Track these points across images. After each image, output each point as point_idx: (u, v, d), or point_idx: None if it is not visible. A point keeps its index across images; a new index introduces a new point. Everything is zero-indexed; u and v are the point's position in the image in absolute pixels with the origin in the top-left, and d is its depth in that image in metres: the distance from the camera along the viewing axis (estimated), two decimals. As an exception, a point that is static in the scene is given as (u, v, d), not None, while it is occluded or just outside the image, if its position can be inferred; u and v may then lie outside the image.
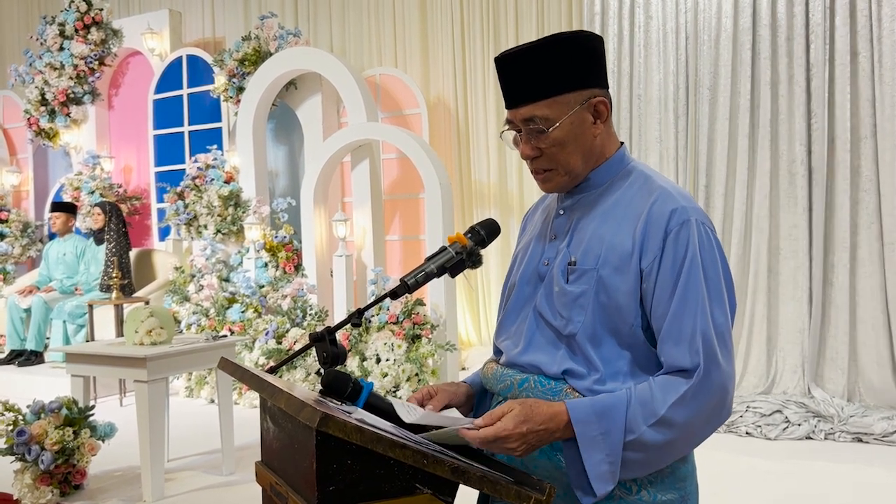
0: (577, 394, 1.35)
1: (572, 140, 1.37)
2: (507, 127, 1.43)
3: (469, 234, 1.50)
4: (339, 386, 1.39)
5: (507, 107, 1.40)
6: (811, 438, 4.46)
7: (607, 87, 1.42)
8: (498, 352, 1.56)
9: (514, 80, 1.38)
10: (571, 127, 1.37)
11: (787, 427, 4.53)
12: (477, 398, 1.59)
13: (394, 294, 1.42)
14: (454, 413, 1.47)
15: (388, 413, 1.41)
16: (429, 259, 1.46)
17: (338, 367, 1.43)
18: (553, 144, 1.37)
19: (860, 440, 4.39)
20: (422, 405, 1.47)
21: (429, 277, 1.44)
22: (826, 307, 5.06)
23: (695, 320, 1.29)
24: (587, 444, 1.28)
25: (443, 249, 1.47)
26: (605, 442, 1.27)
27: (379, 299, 1.49)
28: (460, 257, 1.46)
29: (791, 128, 5.14)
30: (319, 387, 1.42)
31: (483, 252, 1.51)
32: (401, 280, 1.43)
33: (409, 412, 1.35)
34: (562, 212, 1.47)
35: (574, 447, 1.29)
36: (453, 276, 1.48)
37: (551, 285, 1.41)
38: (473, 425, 1.27)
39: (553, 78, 1.35)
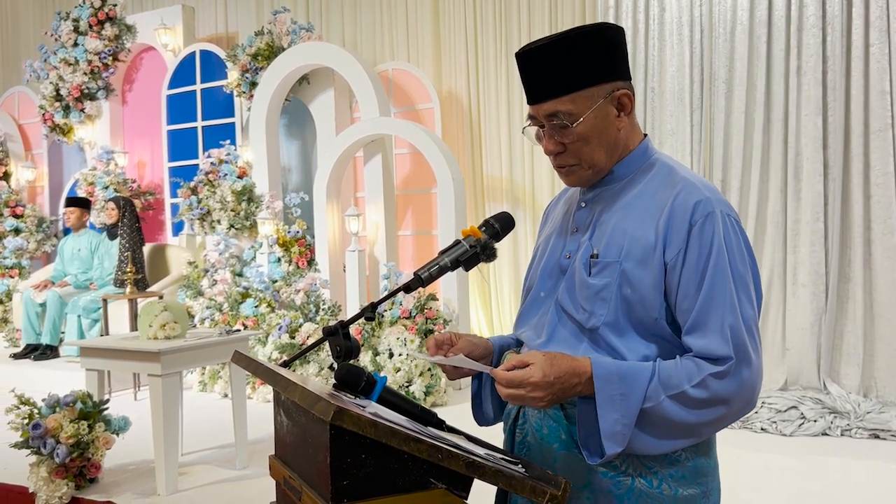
0: None
1: (596, 134, 1.36)
2: (529, 122, 1.41)
3: (483, 228, 1.48)
4: (353, 380, 1.39)
5: (529, 102, 1.39)
6: (827, 435, 4.43)
7: (630, 80, 1.40)
8: (518, 343, 1.55)
9: (536, 75, 1.36)
10: (595, 121, 1.35)
11: (803, 423, 4.49)
12: (496, 357, 1.58)
13: (407, 288, 1.42)
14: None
15: (401, 407, 1.40)
16: (443, 252, 1.45)
17: (351, 362, 1.42)
18: (577, 139, 1.36)
19: (877, 437, 4.35)
20: (441, 349, 1.47)
21: (443, 271, 1.43)
22: (842, 302, 5.01)
23: (723, 313, 1.28)
24: (605, 401, 1.27)
25: (457, 243, 1.46)
26: (623, 403, 1.26)
27: (393, 293, 1.48)
28: (474, 251, 1.45)
29: (806, 121, 5.08)
30: (333, 381, 1.41)
31: (497, 245, 1.50)
32: (414, 274, 1.42)
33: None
34: (583, 204, 1.46)
35: (590, 404, 1.28)
36: (467, 269, 1.47)
37: (573, 278, 1.40)
38: (493, 373, 1.26)
39: (576, 72, 1.33)
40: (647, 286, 1.32)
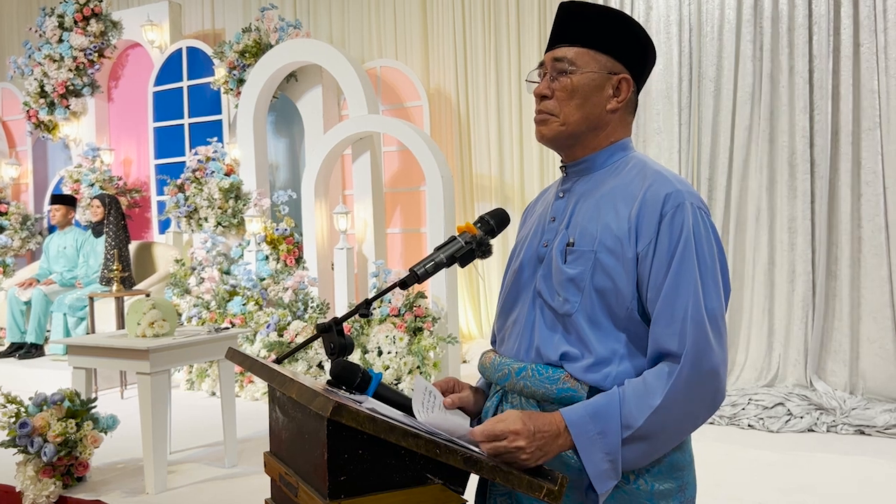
0: (575, 381, 1.34)
1: (583, 94, 1.40)
2: (537, 69, 1.47)
3: (478, 224, 1.49)
4: (349, 376, 1.39)
5: (547, 49, 1.45)
6: (813, 431, 4.46)
7: (639, 88, 1.46)
8: (496, 338, 1.56)
9: (566, 23, 1.43)
10: (588, 82, 1.40)
11: (790, 420, 4.53)
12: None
13: (403, 284, 1.41)
14: (463, 419, 1.45)
15: (397, 403, 1.40)
16: (438, 249, 1.45)
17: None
18: (564, 89, 1.40)
19: (862, 433, 4.39)
20: (444, 394, 1.48)
21: (438, 267, 1.43)
22: (829, 299, 5.05)
23: (687, 303, 1.29)
24: (584, 443, 1.28)
25: (452, 239, 1.46)
26: (602, 440, 1.28)
27: (388, 289, 1.48)
28: (470, 247, 1.45)
29: (793, 120, 5.12)
30: (326, 377, 1.41)
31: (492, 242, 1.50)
32: (410, 269, 1.42)
33: (427, 405, 1.34)
34: (561, 195, 1.49)
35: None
36: (463, 265, 1.47)
37: (550, 266, 1.42)
38: (471, 434, 1.26)
39: (599, 35, 1.40)
40: (620, 276, 1.33)
